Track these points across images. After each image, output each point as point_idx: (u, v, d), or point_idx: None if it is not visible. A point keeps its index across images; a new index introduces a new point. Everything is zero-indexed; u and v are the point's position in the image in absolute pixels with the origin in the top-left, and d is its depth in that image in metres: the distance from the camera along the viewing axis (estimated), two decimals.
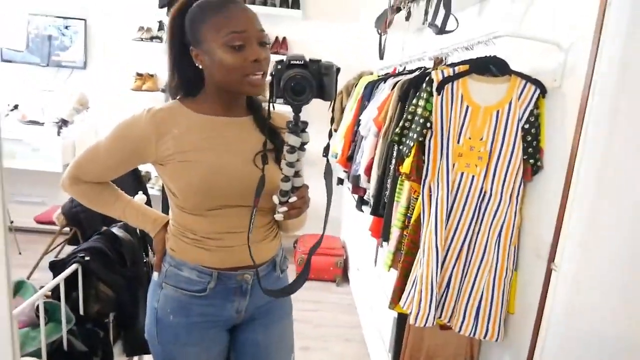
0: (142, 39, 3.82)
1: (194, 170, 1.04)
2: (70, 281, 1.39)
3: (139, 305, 1.55)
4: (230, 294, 1.12)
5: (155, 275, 1.16)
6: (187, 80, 1.09)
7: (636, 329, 1.26)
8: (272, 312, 1.19)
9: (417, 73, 1.98)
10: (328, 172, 1.05)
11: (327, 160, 1.07)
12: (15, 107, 3.93)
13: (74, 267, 1.36)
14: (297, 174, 1.00)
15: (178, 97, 1.12)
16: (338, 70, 1.00)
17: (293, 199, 1.01)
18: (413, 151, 1.49)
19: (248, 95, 1.12)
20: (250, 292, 1.13)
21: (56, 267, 1.38)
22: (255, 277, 1.11)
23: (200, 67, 1.05)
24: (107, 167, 1.12)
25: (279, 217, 1.02)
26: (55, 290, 1.37)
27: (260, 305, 1.17)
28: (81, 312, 1.42)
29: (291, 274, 1.23)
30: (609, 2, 1.11)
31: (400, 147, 1.56)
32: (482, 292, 1.49)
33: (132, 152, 1.07)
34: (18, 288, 1.44)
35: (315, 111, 1.54)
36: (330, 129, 1.17)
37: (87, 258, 1.38)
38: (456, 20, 1.73)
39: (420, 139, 1.47)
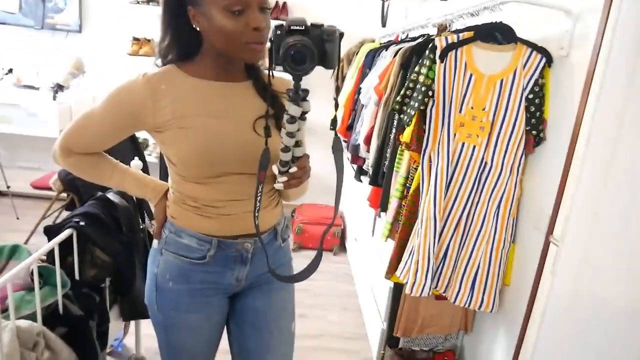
0: (139, 2, 3.72)
1: (193, 136, 1.01)
2: (66, 246, 1.38)
3: (135, 271, 1.55)
4: (231, 262, 1.10)
5: (155, 242, 1.15)
6: (180, 41, 1.05)
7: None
8: (273, 280, 1.18)
9: (420, 40, 1.93)
10: (337, 147, 1.00)
11: (336, 134, 1.03)
12: (10, 70, 3.85)
13: (68, 232, 1.35)
14: (297, 144, 0.97)
15: (174, 62, 1.07)
16: (341, 35, 0.94)
17: (293, 169, 0.98)
18: (414, 120, 1.47)
19: (251, 62, 1.06)
20: (251, 261, 1.12)
21: (51, 232, 1.36)
22: (254, 246, 1.10)
23: (198, 29, 1.01)
24: (100, 135, 1.07)
25: (279, 186, 0.99)
26: (51, 254, 1.36)
27: (261, 274, 1.15)
28: (77, 276, 1.41)
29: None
30: None
31: (401, 115, 1.53)
32: (479, 263, 1.48)
33: (127, 117, 1.03)
34: (13, 252, 1.43)
35: (317, 79, 1.50)
36: (336, 100, 1.13)
37: (82, 223, 1.37)
38: None
39: (422, 108, 1.44)
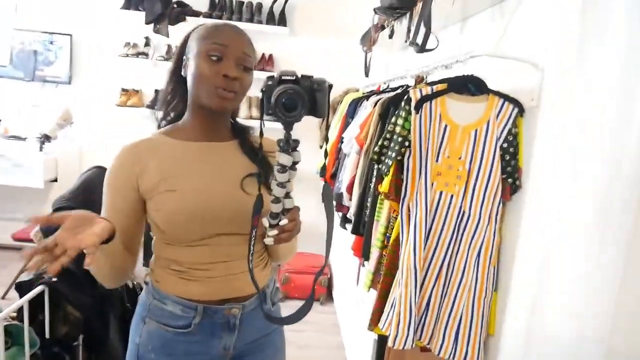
0: (127, 55, 3.81)
1: (181, 198, 1.00)
2: (38, 303, 1.34)
3: (109, 327, 1.50)
4: (217, 330, 1.06)
5: (137, 310, 1.11)
6: (174, 92, 1.09)
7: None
8: (263, 348, 1.13)
9: (398, 91, 1.98)
10: (327, 195, 1.00)
11: (325, 182, 1.03)
12: None
13: (39, 288, 1.31)
14: (287, 195, 0.95)
15: (159, 130, 1.10)
16: (330, 86, 0.96)
17: (284, 221, 0.95)
18: (392, 170, 1.48)
19: (217, 110, 1.05)
20: (239, 328, 1.07)
21: (22, 288, 1.33)
22: (242, 312, 1.06)
23: (185, 76, 1.05)
24: (120, 220, 1.02)
25: (269, 241, 0.96)
26: (21, 311, 1.32)
27: (250, 342, 1.10)
28: (47, 335, 1.37)
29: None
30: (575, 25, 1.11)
31: (380, 165, 1.54)
32: (462, 313, 1.46)
33: (127, 189, 1.02)
34: None
35: (304, 127, 1.51)
36: (325, 149, 1.14)
37: (54, 279, 1.34)
38: (437, 39, 1.73)
39: (399, 158, 1.46)
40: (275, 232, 0.95)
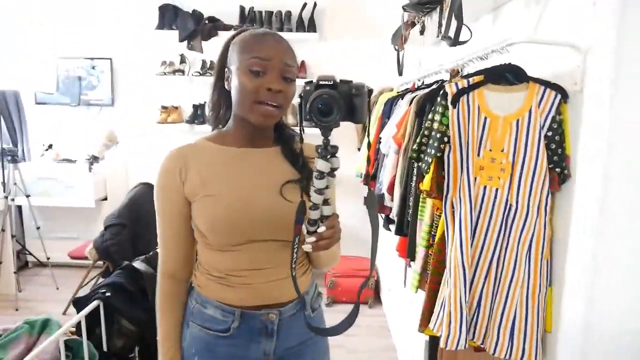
0: (165, 73, 3.93)
1: (220, 202, 1.01)
2: (94, 317, 1.39)
3: None
4: (255, 335, 1.06)
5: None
6: (218, 103, 1.11)
7: None
8: (305, 354, 1.12)
9: (433, 87, 1.95)
10: (371, 203, 0.96)
11: (369, 189, 1.01)
12: (50, 146, 4.08)
13: (95, 303, 1.36)
14: (326, 202, 0.93)
15: (204, 136, 1.12)
16: (370, 91, 0.95)
17: (322, 228, 0.93)
18: (432, 167, 1.45)
19: (259, 126, 1.05)
20: (278, 333, 1.07)
21: (79, 304, 1.38)
22: (279, 318, 1.06)
23: (229, 89, 1.06)
24: (178, 229, 1.07)
25: (307, 247, 0.94)
26: (80, 326, 1.37)
27: (291, 347, 1.10)
28: (104, 348, 1.41)
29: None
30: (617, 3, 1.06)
31: (419, 163, 1.51)
32: (516, 310, 1.41)
33: (176, 193, 1.05)
34: (44, 326, 1.45)
35: (344, 132, 1.50)
36: (367, 155, 1.11)
37: (107, 294, 1.39)
38: (469, 30, 1.69)
39: (439, 155, 1.43)
40: (313, 239, 0.93)
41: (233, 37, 1.09)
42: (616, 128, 1.12)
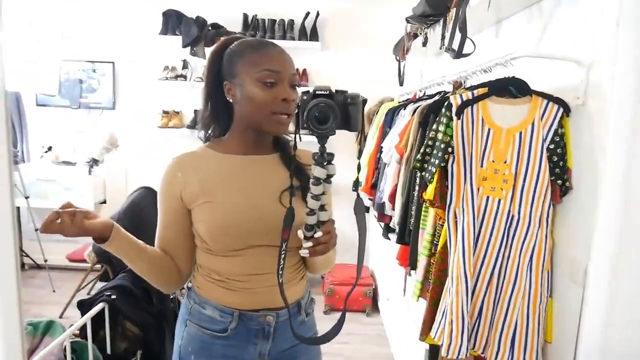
0: (167, 78, 3.94)
1: (220, 209, 1.03)
2: (98, 320, 1.39)
3: (165, 342, 1.55)
4: (252, 336, 1.08)
5: (181, 311, 1.15)
6: (217, 114, 1.12)
7: None
8: (299, 356, 1.14)
9: (436, 98, 1.97)
10: (359, 208, 0.99)
11: (358, 196, 1.03)
12: (49, 148, 4.08)
13: (100, 305, 1.37)
14: (322, 208, 0.96)
15: (210, 139, 1.13)
16: (365, 101, 0.98)
17: (318, 233, 0.96)
18: (436, 177, 1.47)
19: (274, 135, 1.10)
20: (274, 335, 1.10)
21: (84, 306, 1.39)
22: (276, 320, 1.08)
23: (231, 101, 1.07)
24: (171, 226, 1.11)
25: (304, 252, 0.97)
26: (84, 329, 1.38)
27: (285, 349, 1.12)
28: (108, 351, 1.42)
29: (318, 312, 1.18)
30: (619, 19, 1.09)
31: (423, 173, 1.54)
32: (516, 320, 1.42)
33: (174, 200, 1.08)
34: (48, 328, 1.46)
35: (341, 141, 1.53)
36: (359, 163, 1.15)
37: (113, 296, 1.39)
38: (473, 43, 1.72)
39: (443, 165, 1.45)
40: (309, 244, 0.96)
41: (222, 47, 1.11)
42: (618, 142, 1.14)
